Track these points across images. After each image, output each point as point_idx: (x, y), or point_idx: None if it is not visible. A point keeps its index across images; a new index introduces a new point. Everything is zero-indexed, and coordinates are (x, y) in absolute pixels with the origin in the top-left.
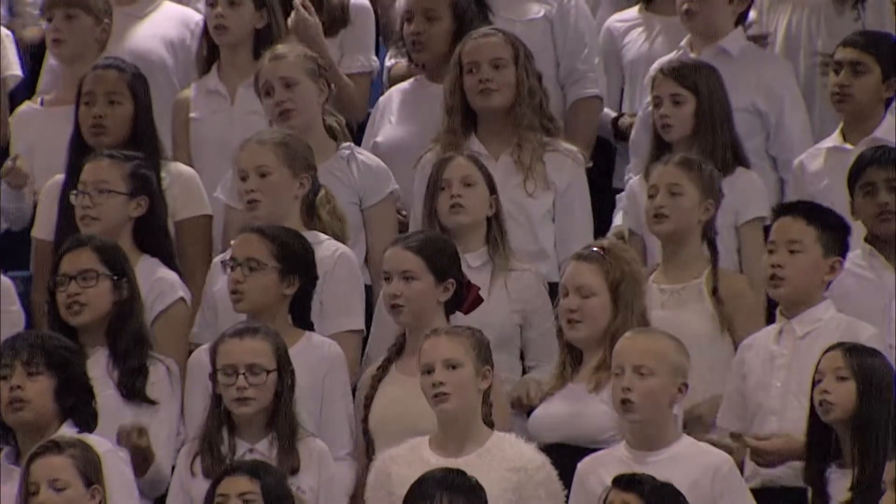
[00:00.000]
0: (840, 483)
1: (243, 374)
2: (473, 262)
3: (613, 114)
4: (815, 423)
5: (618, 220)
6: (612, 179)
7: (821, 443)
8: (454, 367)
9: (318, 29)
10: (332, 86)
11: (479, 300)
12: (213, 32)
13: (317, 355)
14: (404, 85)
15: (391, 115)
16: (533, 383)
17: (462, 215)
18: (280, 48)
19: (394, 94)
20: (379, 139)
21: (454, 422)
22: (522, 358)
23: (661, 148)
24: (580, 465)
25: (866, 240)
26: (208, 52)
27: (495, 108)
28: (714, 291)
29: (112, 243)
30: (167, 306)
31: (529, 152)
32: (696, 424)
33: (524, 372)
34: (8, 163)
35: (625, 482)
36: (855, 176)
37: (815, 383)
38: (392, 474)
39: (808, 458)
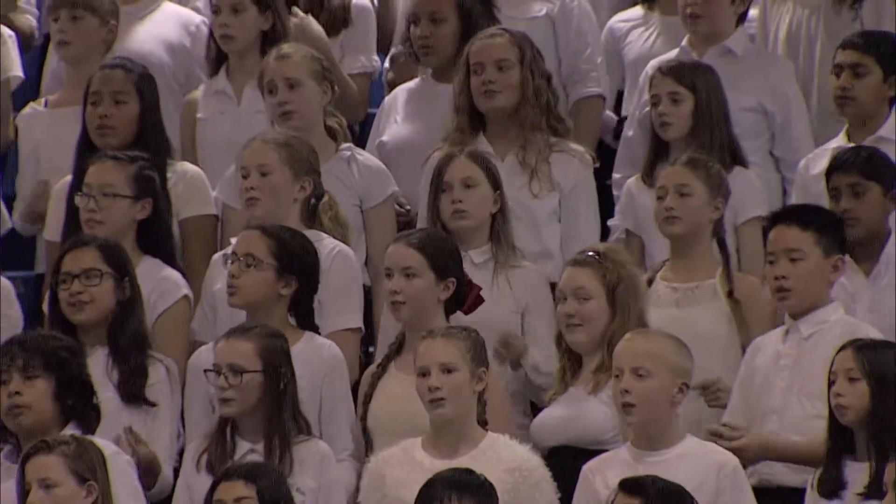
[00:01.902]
0: (855, 476)
1: (224, 374)
2: (477, 259)
3: (616, 117)
4: (834, 425)
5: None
6: (608, 179)
7: (841, 444)
8: (450, 371)
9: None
10: (336, 88)
11: (479, 300)
12: (220, 41)
13: (316, 357)
14: (410, 84)
15: (397, 115)
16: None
17: (463, 220)
18: (286, 47)
19: (399, 94)
20: (385, 138)
21: (449, 425)
22: None
23: (659, 148)
24: (585, 467)
25: None
26: (217, 54)
27: (499, 110)
28: (730, 293)
29: (115, 243)
30: (172, 304)
31: (534, 153)
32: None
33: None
34: (38, 187)
35: (630, 486)
36: (827, 178)
37: (830, 384)
38: (386, 476)
39: (829, 459)
